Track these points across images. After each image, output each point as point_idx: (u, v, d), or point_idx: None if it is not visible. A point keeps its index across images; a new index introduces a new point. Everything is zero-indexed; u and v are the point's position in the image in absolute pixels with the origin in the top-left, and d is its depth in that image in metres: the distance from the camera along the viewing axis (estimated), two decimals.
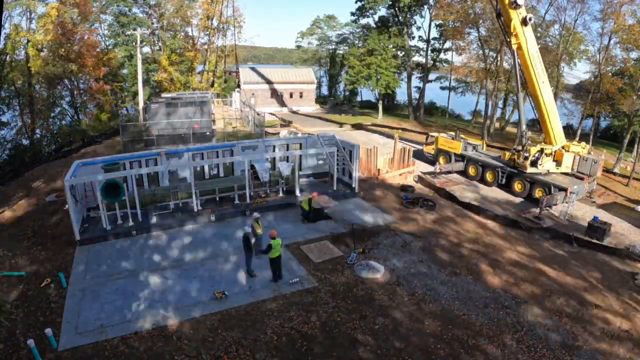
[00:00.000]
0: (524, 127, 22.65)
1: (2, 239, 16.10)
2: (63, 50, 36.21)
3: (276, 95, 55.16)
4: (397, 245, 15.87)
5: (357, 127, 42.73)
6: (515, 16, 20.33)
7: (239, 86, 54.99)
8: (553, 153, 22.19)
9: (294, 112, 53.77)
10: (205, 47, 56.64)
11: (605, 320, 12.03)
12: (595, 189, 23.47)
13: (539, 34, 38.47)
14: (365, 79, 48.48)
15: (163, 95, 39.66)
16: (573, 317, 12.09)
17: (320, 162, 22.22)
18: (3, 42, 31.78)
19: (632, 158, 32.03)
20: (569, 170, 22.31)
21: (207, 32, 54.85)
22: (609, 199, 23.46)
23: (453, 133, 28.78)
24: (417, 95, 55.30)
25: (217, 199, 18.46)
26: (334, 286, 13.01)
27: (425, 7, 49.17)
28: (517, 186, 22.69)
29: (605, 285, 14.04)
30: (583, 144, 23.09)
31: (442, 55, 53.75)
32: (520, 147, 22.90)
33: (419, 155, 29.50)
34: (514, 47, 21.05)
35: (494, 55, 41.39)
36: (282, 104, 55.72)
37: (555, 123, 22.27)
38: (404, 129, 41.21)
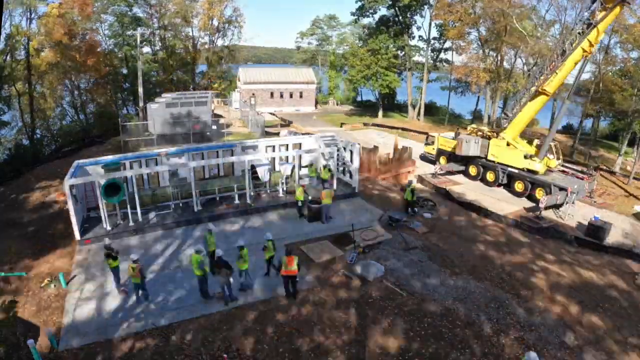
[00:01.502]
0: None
1: (2, 238, 16.11)
2: (64, 50, 36.22)
3: (276, 95, 55.10)
4: (397, 245, 15.87)
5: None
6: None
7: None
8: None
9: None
10: (206, 47, 56.71)
11: (604, 320, 12.01)
12: (596, 189, 23.45)
13: (539, 34, 38.50)
14: (366, 79, 48.47)
15: (163, 95, 39.69)
16: (573, 316, 12.07)
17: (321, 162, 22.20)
18: (3, 42, 31.79)
19: (632, 157, 32.00)
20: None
21: (208, 32, 54.92)
22: (609, 198, 23.44)
23: (453, 133, 28.76)
24: (417, 95, 55.29)
25: (217, 199, 18.46)
26: (334, 286, 13.01)
27: (426, 7, 49.16)
28: (517, 186, 22.69)
29: (604, 283, 14.02)
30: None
31: (442, 55, 53.82)
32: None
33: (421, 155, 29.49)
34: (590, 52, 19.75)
35: (494, 55, 41.42)
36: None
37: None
38: (404, 129, 41.22)
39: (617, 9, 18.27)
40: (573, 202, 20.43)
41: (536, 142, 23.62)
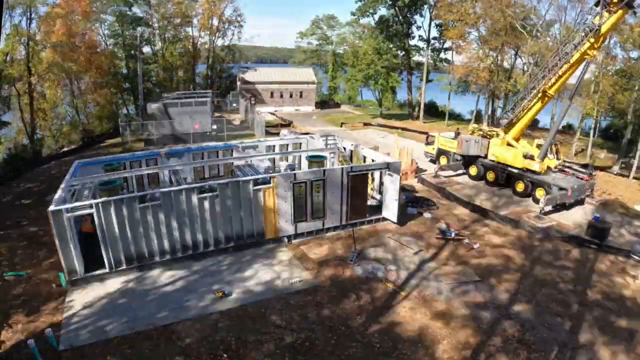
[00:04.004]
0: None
1: (2, 239, 16.12)
2: (64, 50, 36.22)
3: (276, 95, 55.07)
4: (397, 244, 15.88)
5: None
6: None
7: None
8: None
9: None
10: (206, 46, 56.73)
11: (604, 320, 11.99)
12: (596, 189, 23.42)
13: (539, 34, 38.49)
14: (366, 79, 48.41)
15: (163, 94, 39.68)
16: (572, 315, 12.06)
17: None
18: (3, 42, 31.81)
19: (632, 157, 31.93)
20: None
21: (208, 32, 54.93)
22: (609, 198, 23.40)
23: (453, 133, 28.71)
24: (417, 95, 55.26)
25: None
26: (334, 286, 13.02)
27: (426, 6, 49.14)
28: (517, 186, 22.67)
29: (605, 283, 14.00)
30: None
31: (442, 55, 53.72)
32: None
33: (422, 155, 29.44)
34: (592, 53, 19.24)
35: (494, 55, 41.40)
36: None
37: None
38: (404, 129, 41.21)
39: (621, 12, 18.12)
40: (582, 202, 20.47)
41: (537, 141, 23.62)
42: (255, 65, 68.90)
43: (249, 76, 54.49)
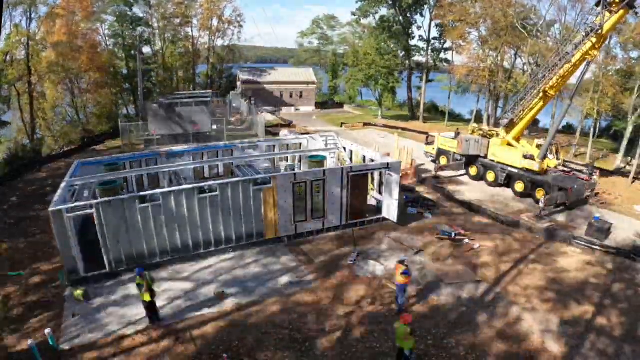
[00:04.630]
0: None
1: (2, 238, 16.12)
2: (65, 49, 36.22)
3: (276, 95, 55.06)
4: (396, 244, 15.88)
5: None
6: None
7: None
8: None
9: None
10: (206, 47, 56.74)
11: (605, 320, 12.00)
12: (596, 189, 23.42)
13: (539, 34, 38.47)
14: (366, 79, 48.41)
15: (160, 99, 39.64)
16: (573, 316, 12.06)
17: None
18: (3, 41, 31.82)
19: (633, 157, 31.90)
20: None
21: (208, 32, 54.93)
22: (609, 198, 23.40)
23: (453, 133, 28.72)
24: (417, 95, 55.24)
25: None
26: (334, 285, 13.02)
27: (426, 6, 49.14)
28: (517, 186, 22.67)
29: (604, 283, 13.99)
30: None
31: (442, 55, 53.72)
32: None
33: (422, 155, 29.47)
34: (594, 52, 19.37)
35: (495, 55, 41.39)
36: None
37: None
38: (404, 129, 41.19)
39: (622, 12, 18.24)
40: (584, 202, 20.75)
41: (537, 141, 23.64)
42: (255, 66, 68.88)
43: (249, 76, 54.50)
